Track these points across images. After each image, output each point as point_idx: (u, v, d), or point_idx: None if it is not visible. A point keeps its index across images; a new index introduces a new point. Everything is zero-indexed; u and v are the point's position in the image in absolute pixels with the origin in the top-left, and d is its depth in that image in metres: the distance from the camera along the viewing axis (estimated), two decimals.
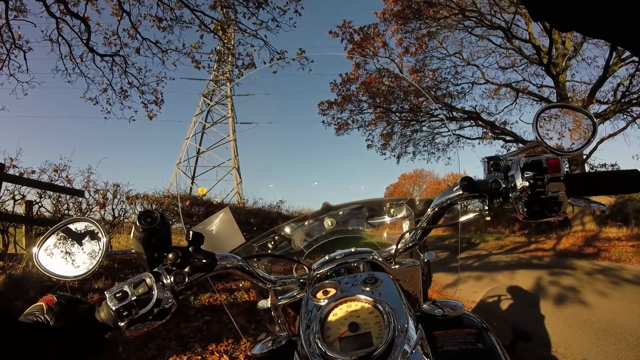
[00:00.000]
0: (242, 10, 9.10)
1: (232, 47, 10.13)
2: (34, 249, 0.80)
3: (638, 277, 6.33)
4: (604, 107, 14.39)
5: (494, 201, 0.80)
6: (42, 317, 0.65)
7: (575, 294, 5.51)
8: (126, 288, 0.69)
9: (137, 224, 0.68)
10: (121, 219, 7.55)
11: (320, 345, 0.60)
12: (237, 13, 9.27)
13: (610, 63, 12.98)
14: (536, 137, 0.84)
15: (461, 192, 0.83)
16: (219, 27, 9.36)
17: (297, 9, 9.00)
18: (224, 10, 9.27)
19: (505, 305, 4.62)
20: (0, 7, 7.84)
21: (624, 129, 14.60)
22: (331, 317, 0.65)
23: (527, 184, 0.74)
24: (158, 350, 3.36)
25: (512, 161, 0.80)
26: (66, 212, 6.31)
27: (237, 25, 9.49)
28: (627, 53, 12.99)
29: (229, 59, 10.83)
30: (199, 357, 3.35)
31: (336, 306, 0.67)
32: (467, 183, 0.78)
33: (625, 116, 14.74)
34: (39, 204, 5.89)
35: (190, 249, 0.73)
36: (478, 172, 0.86)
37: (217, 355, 3.43)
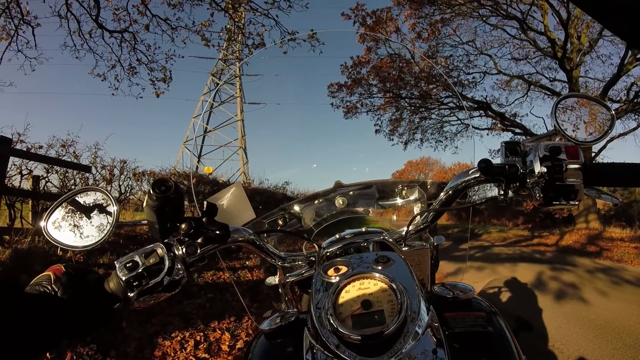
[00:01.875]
0: None
1: (242, 26, 10.02)
2: (42, 221, 0.79)
3: (639, 278, 6.32)
4: (615, 105, 14.20)
5: (511, 186, 0.80)
6: (50, 287, 0.64)
7: (575, 290, 5.51)
8: (137, 258, 0.68)
9: (151, 192, 0.67)
10: (127, 195, 7.62)
11: (332, 322, 0.60)
12: None
13: (625, 62, 12.77)
14: (554, 126, 0.83)
15: (478, 174, 0.82)
16: (230, 5, 9.25)
17: None
18: None
19: (505, 297, 4.63)
20: None
21: (634, 129, 14.44)
22: (343, 294, 0.65)
23: (545, 169, 0.73)
24: (161, 326, 3.42)
25: (530, 147, 0.79)
26: (73, 187, 6.35)
27: (249, 4, 9.37)
28: None
29: (239, 38, 10.71)
30: (202, 334, 3.40)
31: (349, 283, 0.67)
32: (486, 165, 0.77)
33: (636, 116, 14.56)
34: (46, 179, 5.94)
35: (203, 219, 0.72)
36: None
37: (219, 332, 3.48)
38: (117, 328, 3.15)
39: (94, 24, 8.91)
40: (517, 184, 0.79)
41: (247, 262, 5.77)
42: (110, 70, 9.81)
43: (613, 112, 0.89)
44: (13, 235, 4.34)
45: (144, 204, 0.71)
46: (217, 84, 29.36)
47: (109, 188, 7.06)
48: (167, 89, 10.13)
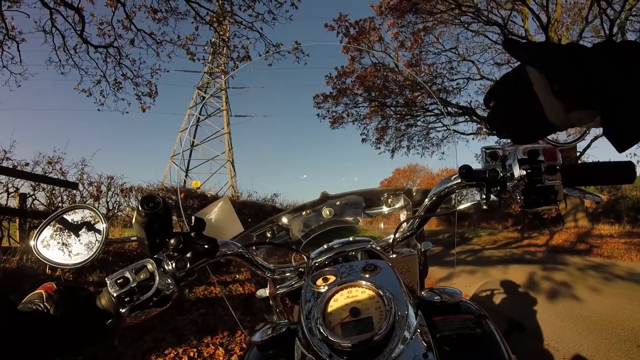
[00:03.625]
0: (238, 2, 9.05)
1: (227, 40, 10.08)
2: (32, 240, 0.79)
3: (630, 273, 6.40)
4: None
5: (492, 190, 0.81)
6: (42, 305, 0.64)
7: (567, 289, 5.57)
8: (127, 274, 0.68)
9: (140, 208, 0.68)
10: (115, 211, 7.54)
11: (322, 331, 0.61)
12: (233, 5, 9.23)
13: None
14: None
15: (459, 180, 0.83)
16: (214, 19, 9.30)
17: (293, 2, 8.93)
18: (220, 1, 9.22)
19: (498, 299, 4.65)
20: None
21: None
22: (332, 303, 0.66)
23: (524, 172, 0.74)
24: (154, 343, 3.37)
25: (509, 151, 0.80)
26: (60, 204, 6.28)
27: (233, 17, 9.43)
28: None
29: (224, 52, 10.75)
30: (195, 350, 3.36)
31: (337, 292, 0.67)
32: (466, 171, 0.78)
33: None
34: (33, 197, 5.87)
35: (192, 234, 0.72)
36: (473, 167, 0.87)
37: (213, 347, 3.44)
38: (109, 346, 3.10)
39: (79, 39, 8.91)
40: (498, 188, 0.80)
41: (238, 276, 5.73)
42: (96, 85, 9.81)
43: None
44: (1, 254, 4.27)
45: (133, 220, 0.72)
46: (203, 98, 29.34)
47: (96, 205, 6.99)
48: (153, 103, 10.15)
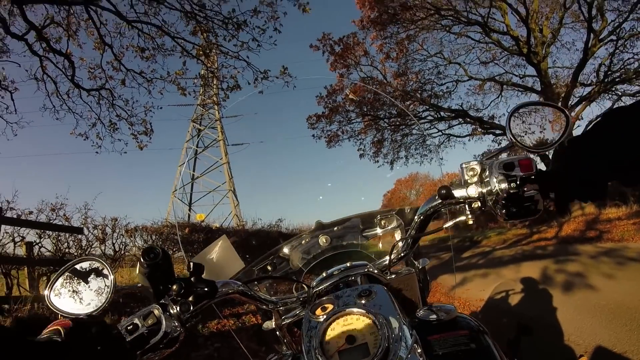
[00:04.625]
0: (222, 34, 9.22)
1: (215, 71, 10.22)
2: (46, 290, 0.84)
3: None
4: (588, 89, 14.58)
5: (473, 206, 0.83)
6: (59, 339, 0.65)
7: (581, 279, 5.51)
8: (136, 320, 0.72)
9: (142, 260, 0.72)
10: (122, 252, 7.54)
11: None
12: (217, 37, 9.40)
13: (589, 45, 13.18)
14: (510, 138, 0.84)
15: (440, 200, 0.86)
16: (201, 52, 9.46)
17: (276, 27, 9.09)
18: (204, 35, 9.38)
19: (514, 300, 4.59)
20: None
21: (610, 109, 14.66)
22: (329, 332, 0.69)
23: (501, 186, 0.76)
24: None
25: (487, 164, 0.82)
26: (66, 250, 6.29)
27: (219, 49, 9.60)
28: (605, 33, 13.22)
29: (214, 83, 10.89)
30: None
31: (333, 321, 0.70)
32: (445, 192, 0.81)
33: (610, 95, 14.91)
34: (39, 245, 5.88)
35: (192, 279, 0.76)
36: None
37: None
38: None
39: (71, 84, 9.02)
40: (479, 203, 0.82)
41: (247, 306, 5.71)
42: (92, 128, 9.88)
43: (568, 114, 0.90)
44: (12, 303, 4.28)
45: (137, 271, 0.76)
46: (199, 130, 29.55)
47: (102, 247, 7.00)
48: (149, 141, 10.22)
